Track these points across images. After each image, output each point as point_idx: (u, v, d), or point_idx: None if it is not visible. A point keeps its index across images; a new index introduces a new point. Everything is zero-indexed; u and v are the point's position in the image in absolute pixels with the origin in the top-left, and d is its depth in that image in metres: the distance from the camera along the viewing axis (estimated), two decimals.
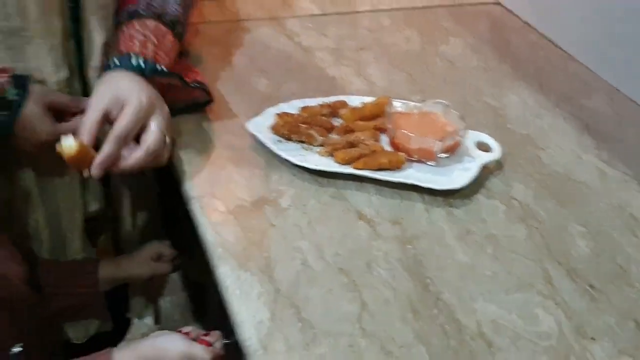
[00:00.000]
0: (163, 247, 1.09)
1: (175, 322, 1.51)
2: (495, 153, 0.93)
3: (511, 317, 0.71)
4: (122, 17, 0.90)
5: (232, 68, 1.10)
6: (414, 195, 0.87)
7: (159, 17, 0.90)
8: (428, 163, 0.90)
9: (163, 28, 0.90)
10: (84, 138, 0.78)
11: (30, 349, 0.81)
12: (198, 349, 0.81)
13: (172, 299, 1.54)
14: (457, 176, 0.88)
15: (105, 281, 1.01)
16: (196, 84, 0.94)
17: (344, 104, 0.99)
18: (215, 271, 0.75)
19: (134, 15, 0.89)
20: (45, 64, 0.85)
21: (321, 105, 0.98)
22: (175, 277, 1.41)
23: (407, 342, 0.67)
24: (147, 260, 1.06)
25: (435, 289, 0.74)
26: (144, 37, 0.87)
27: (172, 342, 0.82)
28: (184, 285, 1.29)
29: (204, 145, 0.93)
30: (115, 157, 0.79)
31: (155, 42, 0.87)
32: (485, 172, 0.91)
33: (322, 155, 0.90)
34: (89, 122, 0.79)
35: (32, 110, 0.82)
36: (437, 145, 0.88)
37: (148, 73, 0.84)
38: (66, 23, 0.86)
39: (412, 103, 0.97)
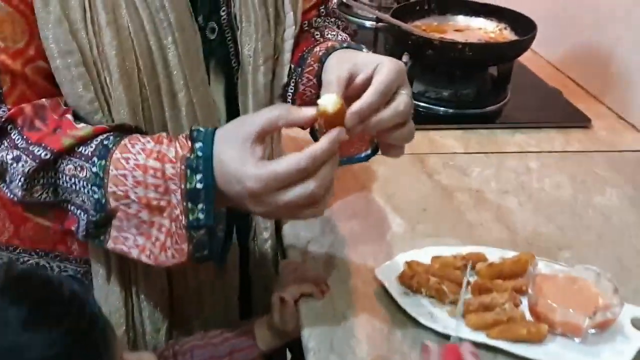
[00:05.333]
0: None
1: None
2: None
3: None
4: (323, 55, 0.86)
5: (368, 204, 1.08)
6: None
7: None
8: (574, 339, 0.80)
9: None
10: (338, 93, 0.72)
11: None
12: None
13: None
14: (608, 358, 0.77)
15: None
16: None
17: (480, 257, 0.92)
18: None
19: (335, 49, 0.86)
20: None
21: (455, 257, 0.91)
22: None
23: None
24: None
25: None
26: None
27: None
28: None
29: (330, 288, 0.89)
30: (374, 110, 0.72)
31: None
32: None
33: (452, 316, 0.83)
34: (337, 79, 0.74)
35: None
36: (586, 322, 0.78)
37: None
38: None
39: (558, 266, 0.88)
